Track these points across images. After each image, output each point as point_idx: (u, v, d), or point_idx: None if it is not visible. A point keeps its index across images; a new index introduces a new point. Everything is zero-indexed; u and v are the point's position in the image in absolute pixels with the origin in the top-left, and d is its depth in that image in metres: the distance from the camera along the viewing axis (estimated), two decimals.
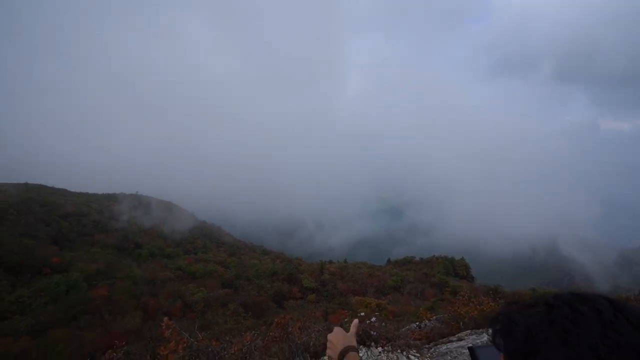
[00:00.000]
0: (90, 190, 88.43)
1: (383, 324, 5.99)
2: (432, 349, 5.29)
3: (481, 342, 5.09)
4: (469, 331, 6.32)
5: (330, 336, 1.56)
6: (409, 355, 4.77)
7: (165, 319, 4.83)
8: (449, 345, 5.22)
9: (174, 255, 56.24)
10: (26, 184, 74.91)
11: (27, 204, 55.55)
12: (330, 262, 64.86)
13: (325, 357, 4.22)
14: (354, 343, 1.51)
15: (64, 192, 78.83)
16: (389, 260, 72.65)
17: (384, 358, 4.48)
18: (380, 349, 4.68)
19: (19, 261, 34.71)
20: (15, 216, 48.48)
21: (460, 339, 5.58)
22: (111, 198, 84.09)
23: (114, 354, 5.19)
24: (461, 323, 7.71)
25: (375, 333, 4.90)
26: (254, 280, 43.48)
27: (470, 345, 1.26)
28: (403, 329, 7.12)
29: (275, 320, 4.51)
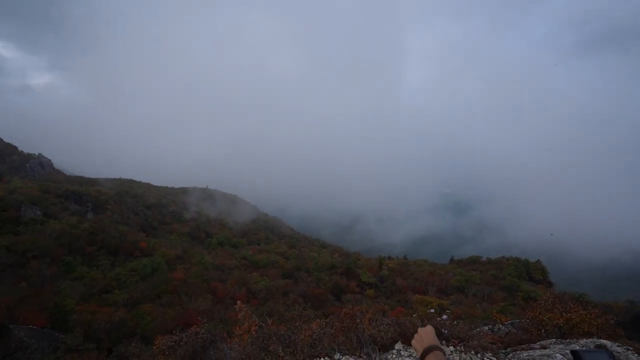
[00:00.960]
0: (169, 184, 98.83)
1: (455, 322, 5.67)
2: (510, 355, 4.85)
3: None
4: (554, 340, 5.66)
5: (420, 330, 1.66)
6: (484, 358, 4.43)
7: (239, 302, 5.19)
8: (531, 352, 4.73)
9: (240, 245, 60.31)
10: (120, 179, 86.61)
11: (121, 196, 64.22)
12: (390, 258, 63.58)
13: (394, 350, 4.14)
14: (439, 345, 1.60)
15: (148, 186, 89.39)
16: (452, 259, 68.75)
17: (457, 358, 4.23)
18: (452, 348, 4.43)
19: (116, 244, 40.43)
20: (112, 206, 56.41)
21: (544, 347, 5.02)
22: (184, 191, 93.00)
23: (198, 330, 5.73)
24: (543, 330, 6.95)
25: (446, 331, 4.65)
26: (313, 272, 44.60)
27: (575, 349, 1.13)
28: (475, 330, 6.65)
29: (344, 310, 4.55)
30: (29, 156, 75.91)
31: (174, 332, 7.57)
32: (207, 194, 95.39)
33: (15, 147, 76.54)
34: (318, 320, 4.62)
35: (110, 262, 36.61)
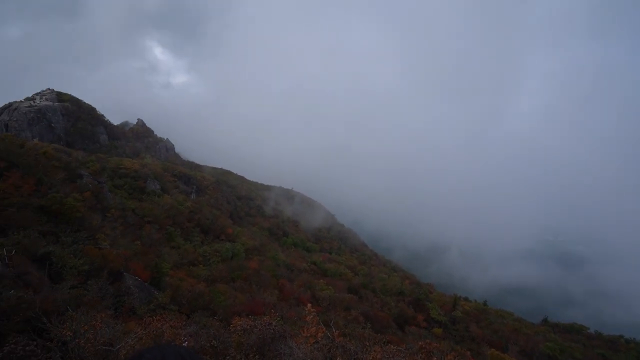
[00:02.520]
0: (258, 179, 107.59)
1: None
2: None
3: None
4: None
5: None
6: None
7: (309, 305, 5.36)
8: None
9: (312, 250, 61.99)
10: (221, 169, 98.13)
11: (219, 184, 72.67)
12: (467, 299, 57.34)
13: None
14: None
15: (242, 179, 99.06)
16: (546, 320, 58.33)
17: None
18: None
19: (208, 225, 45.89)
20: (211, 192, 64.22)
21: None
22: (267, 188, 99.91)
23: (271, 321, 6.10)
24: None
25: None
26: (379, 294, 43.06)
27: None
28: None
29: (420, 343, 4.30)
30: (160, 139, 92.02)
31: (241, 315, 8.19)
32: (288, 194, 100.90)
33: (152, 131, 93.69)
34: (391, 346, 4.44)
35: (200, 240, 41.67)
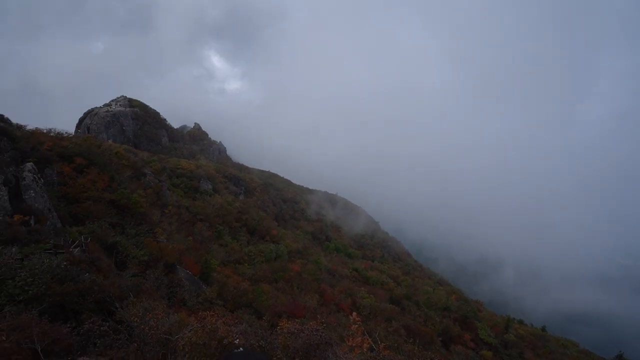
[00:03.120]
0: (304, 184, 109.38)
1: None
2: None
3: None
4: None
5: None
6: None
7: (354, 314, 5.31)
8: None
9: (354, 256, 61.38)
10: (268, 172, 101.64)
11: (266, 186, 75.23)
12: (521, 322, 52.61)
13: None
14: None
15: (288, 182, 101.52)
16: (620, 356, 51.31)
17: None
18: None
19: (254, 226, 47.65)
20: (258, 194, 66.71)
21: None
22: (310, 192, 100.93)
23: (319, 327, 6.14)
24: None
25: None
26: (422, 307, 41.24)
27: None
28: None
29: None
30: (213, 142, 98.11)
31: (282, 316, 8.34)
32: (331, 198, 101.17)
33: (206, 134, 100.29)
34: None
35: (246, 240, 43.37)
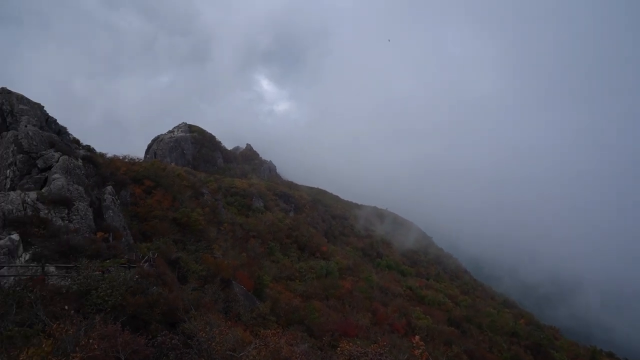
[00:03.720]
0: (352, 199, 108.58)
1: None
2: None
3: None
4: None
5: None
6: None
7: (417, 337, 5.06)
8: None
9: (407, 273, 58.76)
10: (317, 188, 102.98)
11: (315, 203, 76.11)
12: (611, 355, 45.50)
13: None
14: None
15: (337, 198, 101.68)
16: None
17: None
18: None
19: (305, 242, 48.17)
20: (307, 210, 67.69)
21: None
22: (362, 208, 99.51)
23: (382, 351, 5.96)
24: None
25: None
26: (486, 331, 37.77)
27: None
28: None
29: None
30: (264, 162, 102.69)
31: (334, 334, 8.18)
32: (379, 213, 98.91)
33: (257, 154, 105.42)
34: None
35: (297, 256, 43.90)
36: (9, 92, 27.65)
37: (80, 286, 9.46)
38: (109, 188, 22.66)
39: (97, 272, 10.34)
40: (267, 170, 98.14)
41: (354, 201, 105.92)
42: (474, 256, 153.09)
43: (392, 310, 35.30)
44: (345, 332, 23.64)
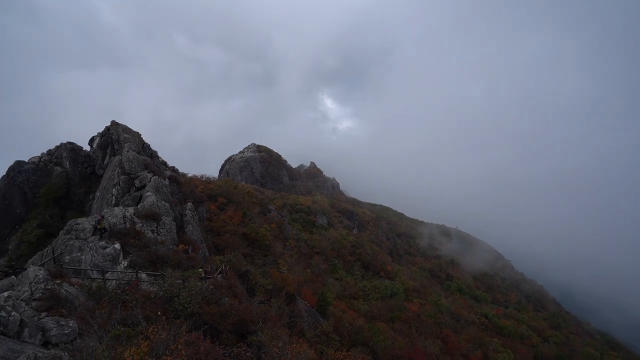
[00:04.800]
0: (417, 216, 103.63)
1: None
2: None
3: None
4: None
5: None
6: None
7: None
8: None
9: (481, 299, 53.38)
10: (381, 205, 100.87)
11: (378, 220, 74.48)
12: None
13: None
14: None
15: (401, 216, 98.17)
16: None
17: None
18: None
19: (369, 261, 47.17)
20: (371, 228, 66.46)
21: None
22: (427, 225, 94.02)
23: None
24: None
25: None
26: None
27: None
28: None
29: None
30: (327, 179, 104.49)
31: None
32: (444, 230, 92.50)
33: (321, 171, 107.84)
34: None
35: (360, 275, 43.04)
36: (117, 124, 33.09)
37: (166, 293, 10.56)
38: (189, 204, 25.22)
39: (178, 281, 11.47)
40: (330, 187, 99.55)
41: (420, 219, 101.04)
42: (565, 284, 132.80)
43: (466, 340, 32.23)
44: (412, 358, 22.21)
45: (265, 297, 19.35)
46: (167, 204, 21.67)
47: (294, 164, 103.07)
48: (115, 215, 17.91)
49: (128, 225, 17.71)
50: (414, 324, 31.77)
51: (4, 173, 31.42)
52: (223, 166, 79.46)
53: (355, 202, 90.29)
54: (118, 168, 24.93)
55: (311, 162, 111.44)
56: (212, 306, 10.64)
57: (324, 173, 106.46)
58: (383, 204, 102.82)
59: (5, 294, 7.05)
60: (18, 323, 6.47)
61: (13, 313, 6.50)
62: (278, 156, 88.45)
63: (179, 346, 5.97)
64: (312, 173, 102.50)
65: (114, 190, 23.79)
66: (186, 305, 9.95)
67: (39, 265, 10.83)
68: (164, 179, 25.67)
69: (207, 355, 6.51)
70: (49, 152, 34.27)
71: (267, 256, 28.95)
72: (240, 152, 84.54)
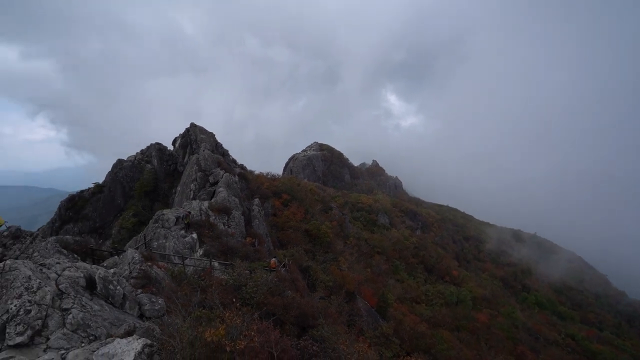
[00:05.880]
0: (484, 218, 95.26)
1: None
2: None
3: None
4: None
5: None
6: None
7: None
8: None
9: (567, 317, 47.08)
10: (447, 206, 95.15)
11: (444, 221, 70.38)
12: None
13: None
14: None
15: (470, 218, 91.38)
16: None
17: None
18: None
19: (432, 264, 44.95)
20: (436, 229, 63.10)
21: None
22: (498, 229, 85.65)
23: None
24: None
25: None
26: None
27: None
28: None
29: None
30: (390, 177, 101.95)
31: None
32: (515, 234, 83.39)
33: (383, 170, 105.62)
34: None
35: (424, 278, 41.19)
36: (195, 125, 36.68)
37: (235, 281, 11.43)
38: (257, 200, 26.82)
39: (246, 271, 12.32)
40: (392, 186, 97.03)
41: (492, 222, 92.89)
42: None
43: None
44: None
45: (326, 293, 19.70)
46: (236, 199, 23.37)
47: (355, 162, 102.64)
48: (193, 207, 19.88)
49: (203, 217, 19.53)
50: (483, 335, 29.41)
51: (109, 169, 37.13)
52: (287, 164, 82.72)
53: (418, 202, 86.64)
54: (195, 165, 27.64)
55: (373, 161, 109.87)
56: (276, 297, 11.19)
57: (385, 171, 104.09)
58: (449, 205, 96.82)
59: (111, 270, 8.37)
60: (122, 296, 7.64)
61: (118, 287, 7.69)
62: (340, 154, 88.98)
63: (252, 333, 6.39)
64: (374, 171, 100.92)
65: (192, 185, 26.44)
66: (253, 295, 10.62)
67: (134, 249, 12.60)
68: (234, 176, 27.72)
69: (276, 345, 6.81)
70: (142, 151, 39.43)
71: (328, 253, 29.40)
72: (303, 151, 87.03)
